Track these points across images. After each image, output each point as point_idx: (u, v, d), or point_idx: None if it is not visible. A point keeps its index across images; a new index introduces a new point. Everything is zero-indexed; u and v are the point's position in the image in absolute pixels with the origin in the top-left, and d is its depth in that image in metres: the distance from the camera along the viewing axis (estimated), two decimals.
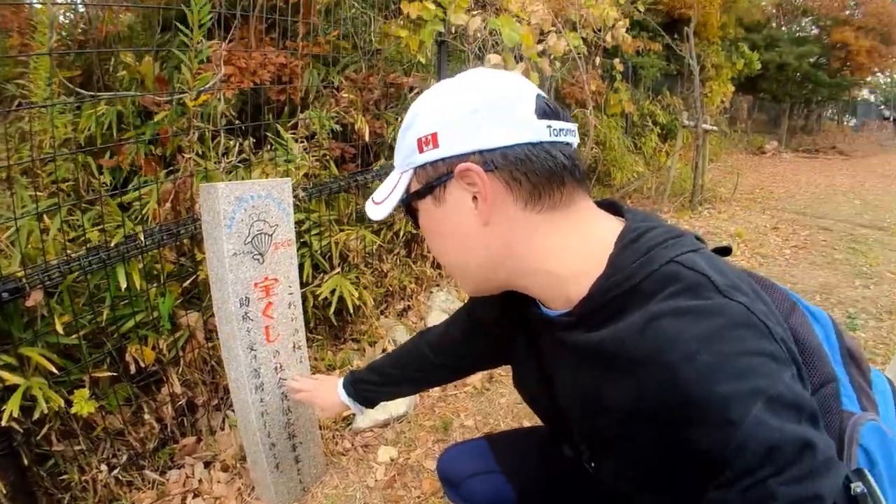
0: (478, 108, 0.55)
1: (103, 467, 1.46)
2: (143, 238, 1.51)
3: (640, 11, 4.25)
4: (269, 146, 2.01)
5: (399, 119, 2.56)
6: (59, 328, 1.35)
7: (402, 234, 2.58)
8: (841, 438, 0.53)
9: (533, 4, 2.70)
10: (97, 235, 1.54)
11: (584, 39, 3.34)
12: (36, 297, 1.29)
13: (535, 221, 0.57)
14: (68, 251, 1.44)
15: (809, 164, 11.24)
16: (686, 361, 0.45)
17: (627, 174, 5.42)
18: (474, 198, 0.57)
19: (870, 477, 0.48)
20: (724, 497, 0.44)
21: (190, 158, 1.66)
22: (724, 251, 0.63)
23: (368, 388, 1.09)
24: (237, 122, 1.90)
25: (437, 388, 2.05)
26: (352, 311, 2.19)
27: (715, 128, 6.25)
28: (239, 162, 1.81)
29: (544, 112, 0.57)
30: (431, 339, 1.02)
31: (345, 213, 2.39)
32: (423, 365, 1.02)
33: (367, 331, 2.33)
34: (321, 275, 2.17)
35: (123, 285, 1.49)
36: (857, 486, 0.46)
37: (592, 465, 0.64)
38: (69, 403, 1.33)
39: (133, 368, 1.53)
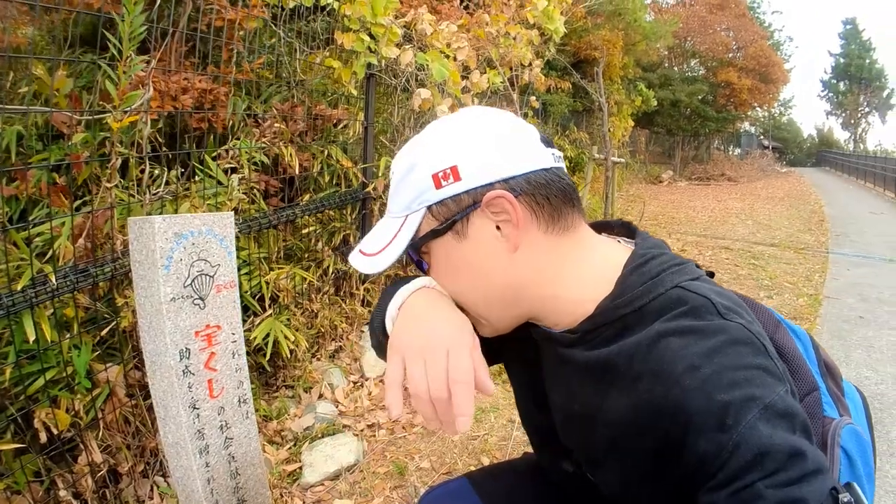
0: (500, 137, 0.58)
1: None
2: (54, 280, 1.31)
3: (550, 52, 4.55)
4: (195, 177, 1.86)
5: (325, 153, 2.50)
6: None
7: (331, 271, 2.48)
8: (824, 441, 0.57)
9: (458, 42, 2.78)
10: None
11: (503, 77, 3.49)
12: None
13: (555, 244, 0.59)
14: None
15: (703, 190, 12.45)
16: (689, 373, 0.48)
17: None
18: (497, 227, 0.57)
19: (858, 489, 0.50)
20: (714, 500, 0.46)
21: (111, 189, 1.48)
22: (708, 276, 0.66)
23: None
24: (164, 149, 1.74)
25: (383, 432, 1.94)
26: (287, 356, 2.04)
27: (622, 160, 6.74)
28: (166, 193, 1.65)
29: (544, 140, 0.61)
30: None
31: (273, 251, 2.26)
32: None
33: (301, 376, 2.19)
34: (250, 317, 2.01)
35: (32, 337, 1.27)
36: (844, 497, 0.47)
37: (593, 476, 0.64)
38: None
39: (44, 436, 1.32)
